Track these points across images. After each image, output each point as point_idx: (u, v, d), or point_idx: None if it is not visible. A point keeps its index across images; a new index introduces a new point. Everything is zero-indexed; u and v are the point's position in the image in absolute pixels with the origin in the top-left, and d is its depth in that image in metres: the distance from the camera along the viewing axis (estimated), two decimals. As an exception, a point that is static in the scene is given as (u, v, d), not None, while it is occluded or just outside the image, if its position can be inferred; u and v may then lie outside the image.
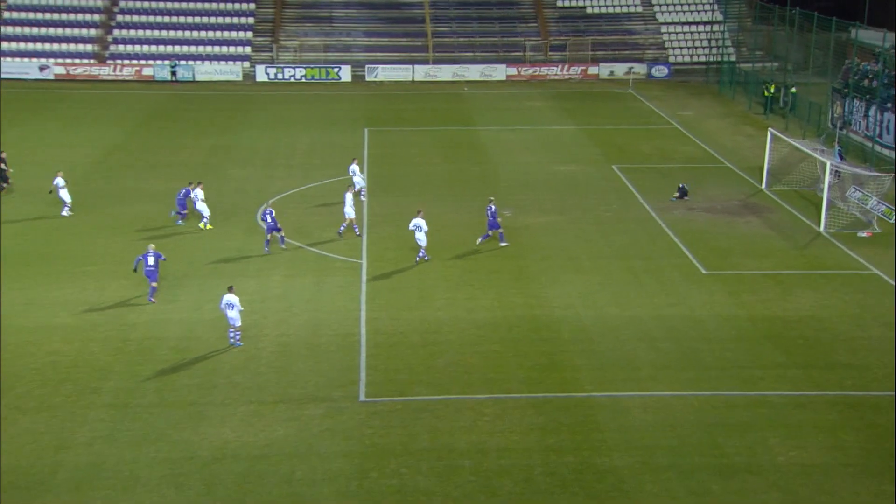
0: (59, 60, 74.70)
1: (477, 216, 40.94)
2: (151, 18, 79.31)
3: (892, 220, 39.98)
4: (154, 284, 32.10)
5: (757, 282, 34.37)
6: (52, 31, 77.27)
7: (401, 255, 36.64)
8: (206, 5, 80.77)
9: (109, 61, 75.37)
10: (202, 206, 39.53)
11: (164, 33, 78.09)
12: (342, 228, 38.75)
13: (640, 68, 77.20)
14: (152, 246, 32.77)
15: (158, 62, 75.18)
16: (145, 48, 76.84)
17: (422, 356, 28.44)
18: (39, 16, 78.04)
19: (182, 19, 79.52)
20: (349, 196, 38.55)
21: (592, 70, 77.02)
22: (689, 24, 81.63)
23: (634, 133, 58.27)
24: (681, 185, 44.61)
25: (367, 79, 75.69)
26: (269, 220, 36.92)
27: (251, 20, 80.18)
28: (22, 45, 75.60)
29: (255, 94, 70.80)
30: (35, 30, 77.04)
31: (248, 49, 77.78)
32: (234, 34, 78.79)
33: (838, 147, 48.32)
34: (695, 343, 29.44)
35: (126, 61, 75.41)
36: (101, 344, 29.03)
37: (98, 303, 32.06)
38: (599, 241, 38.72)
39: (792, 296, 33.13)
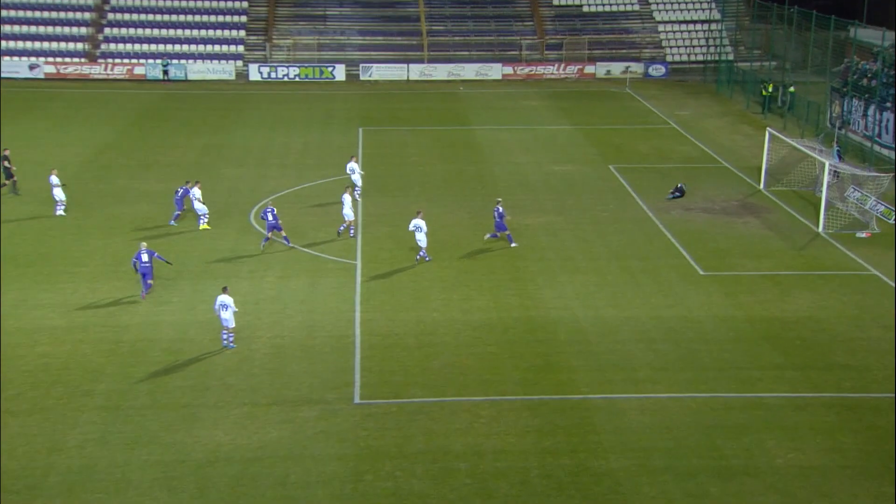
0: (50, 59, 74.30)
1: (473, 216, 40.81)
2: (143, 17, 78.93)
3: (891, 221, 39.85)
4: (150, 282, 31.93)
5: (755, 282, 34.22)
6: (42, 29, 76.85)
7: (395, 255, 36.42)
8: (199, 3, 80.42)
9: (100, 60, 75.03)
10: (199, 206, 39.23)
11: (155, 32, 77.75)
12: (342, 228, 38.47)
13: (637, 67, 77.07)
14: (144, 244, 32.62)
15: (150, 61, 74.84)
16: (137, 47, 76.50)
17: (417, 358, 28.24)
18: (29, 14, 77.55)
19: (174, 17, 79.14)
20: (347, 197, 38.14)
21: (589, 69, 76.86)
22: (687, 22, 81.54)
23: (631, 133, 58.10)
24: (679, 185, 44.46)
25: (362, 78, 75.41)
26: (269, 217, 36.66)
27: (244, 18, 79.89)
28: (12, 44, 75.09)
29: (248, 93, 70.51)
30: (25, 28, 76.58)
31: (241, 48, 77.45)
32: (226, 33, 78.48)
33: (837, 147, 48.17)
34: (692, 344, 29.28)
35: (117, 60, 75.04)
36: (94, 345, 28.80)
37: (90, 304, 31.83)
38: (596, 241, 38.53)
39: (790, 296, 32.99)
